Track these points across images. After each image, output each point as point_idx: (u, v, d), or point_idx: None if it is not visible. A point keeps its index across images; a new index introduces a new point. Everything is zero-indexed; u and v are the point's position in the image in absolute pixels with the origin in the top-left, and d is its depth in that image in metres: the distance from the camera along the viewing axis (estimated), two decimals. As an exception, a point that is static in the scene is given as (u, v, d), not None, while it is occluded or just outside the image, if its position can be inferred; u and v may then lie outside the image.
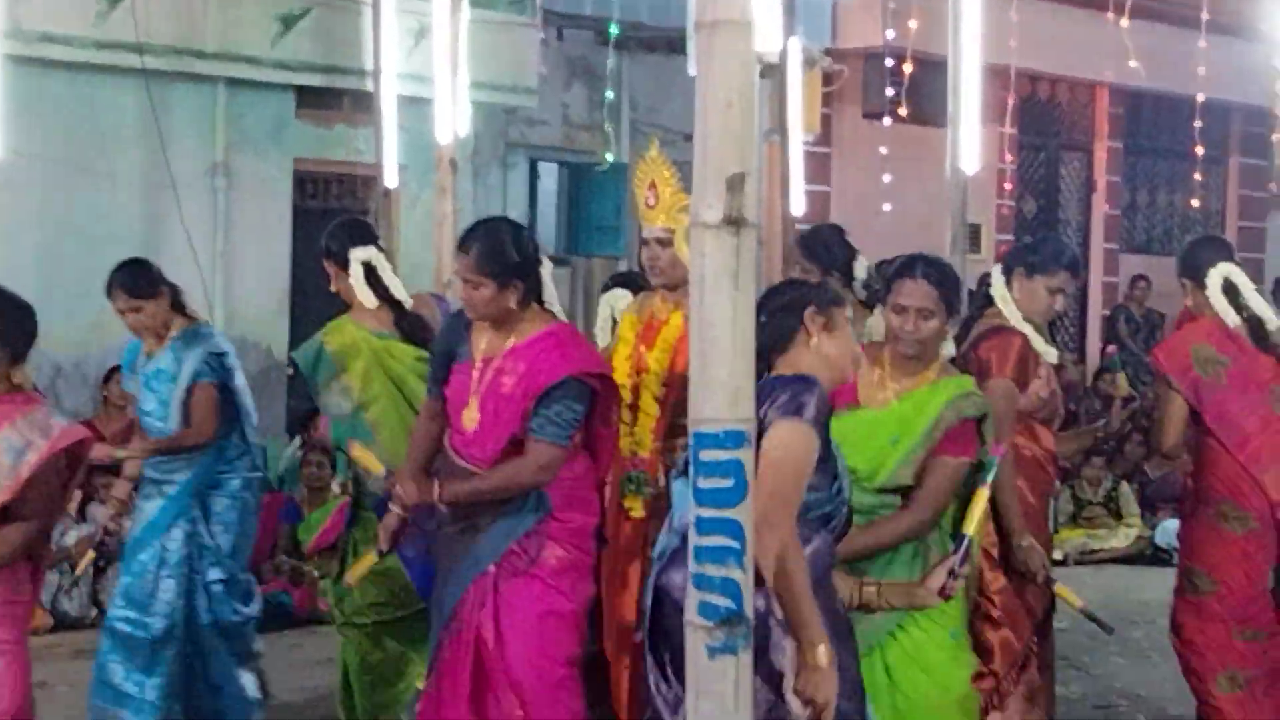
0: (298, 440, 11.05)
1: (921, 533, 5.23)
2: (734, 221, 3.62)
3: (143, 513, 6.90)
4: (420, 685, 6.01)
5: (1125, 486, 12.41)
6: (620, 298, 6.63)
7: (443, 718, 5.42)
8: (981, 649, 5.76)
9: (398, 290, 6.39)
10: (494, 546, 5.38)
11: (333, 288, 6.51)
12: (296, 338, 11.42)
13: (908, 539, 5.22)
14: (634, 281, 6.83)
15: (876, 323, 5.89)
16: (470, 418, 5.39)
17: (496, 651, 5.34)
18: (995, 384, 5.74)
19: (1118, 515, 12.22)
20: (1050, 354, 5.98)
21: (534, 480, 5.37)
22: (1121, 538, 12.03)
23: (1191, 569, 6.49)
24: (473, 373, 5.45)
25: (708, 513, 3.70)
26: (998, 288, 6.03)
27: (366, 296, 6.33)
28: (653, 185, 5.88)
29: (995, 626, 5.82)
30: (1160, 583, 10.94)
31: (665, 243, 5.82)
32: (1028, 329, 5.94)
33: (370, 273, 6.36)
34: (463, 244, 5.47)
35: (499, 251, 5.40)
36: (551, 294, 5.63)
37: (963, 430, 5.27)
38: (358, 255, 6.33)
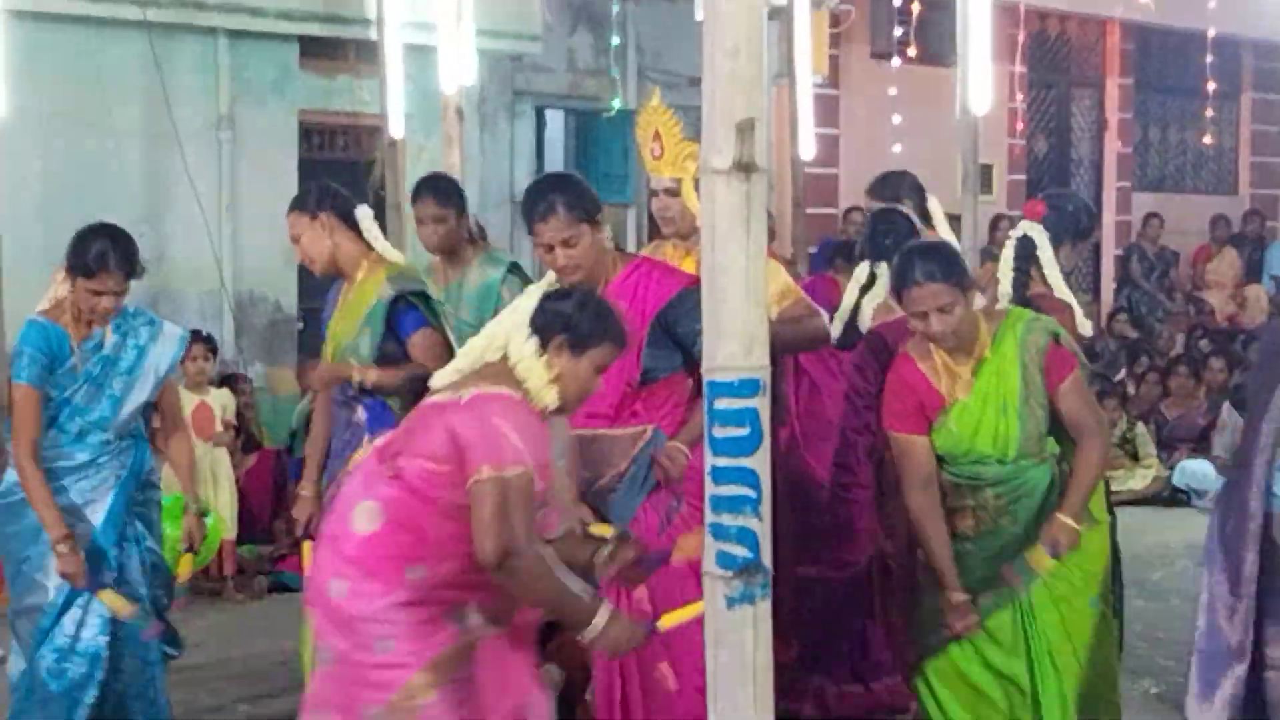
0: (309, 396, 10.96)
1: (1107, 449, 5.49)
2: (744, 167, 3.58)
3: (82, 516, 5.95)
4: None
5: (1141, 427, 12.36)
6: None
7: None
8: None
9: (392, 253, 6.16)
10: (629, 503, 5.25)
11: (324, 245, 5.99)
12: (305, 290, 11.38)
13: (1104, 464, 5.44)
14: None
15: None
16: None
17: (651, 612, 5.09)
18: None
19: (1134, 456, 12.17)
20: (1087, 326, 5.95)
21: None
22: (1139, 479, 11.99)
23: None
24: None
25: (724, 461, 3.66)
26: (1048, 257, 5.97)
27: (388, 249, 6.09)
28: (657, 135, 5.80)
29: None
30: (1179, 523, 11.00)
31: (674, 192, 5.76)
32: (1074, 302, 5.93)
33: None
34: (539, 209, 5.29)
35: (579, 189, 5.35)
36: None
37: (1053, 356, 5.29)
38: (363, 213, 6.11)
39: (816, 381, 6.78)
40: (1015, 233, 6.14)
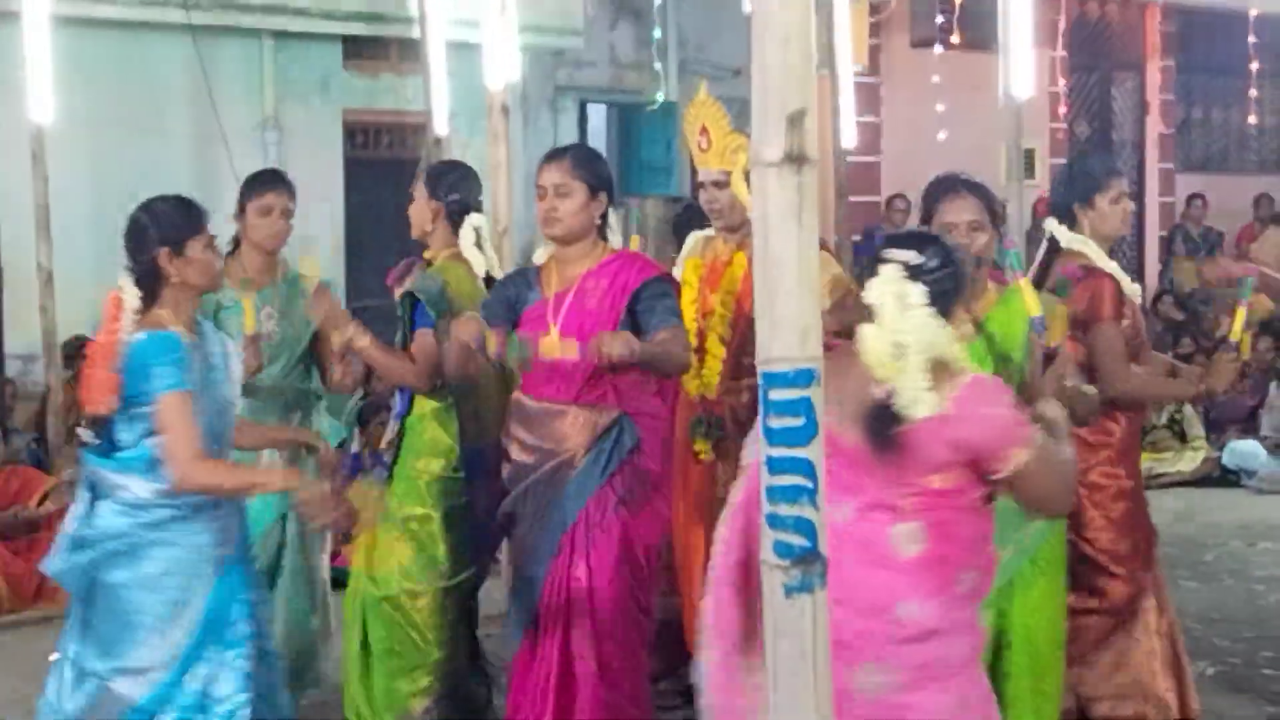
0: (359, 394, 11.03)
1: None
2: (795, 159, 3.58)
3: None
4: (427, 682, 6.00)
5: (1189, 408, 12.31)
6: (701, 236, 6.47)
7: (539, 670, 5.39)
8: (1088, 588, 5.75)
9: (494, 265, 6.24)
10: (587, 482, 5.32)
11: (427, 226, 6.11)
12: (353, 288, 11.45)
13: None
14: (689, 216, 6.76)
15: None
16: (550, 344, 5.23)
17: (585, 593, 5.31)
18: (1104, 328, 5.67)
19: (1183, 438, 12.14)
20: (1135, 290, 5.88)
21: (685, 356, 5.29)
22: (1188, 460, 11.94)
23: None
24: (547, 308, 5.38)
25: (779, 452, 3.67)
26: (1063, 234, 5.90)
27: (477, 260, 6.16)
28: (704, 129, 5.83)
29: (1098, 569, 5.77)
30: (1230, 504, 10.98)
31: (722, 185, 5.78)
32: (1113, 266, 5.84)
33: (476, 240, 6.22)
34: (552, 154, 5.47)
35: (592, 159, 5.47)
36: (614, 234, 5.60)
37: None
38: (473, 220, 6.21)
39: None
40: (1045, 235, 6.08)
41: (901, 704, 4.13)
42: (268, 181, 6.64)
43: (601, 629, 5.33)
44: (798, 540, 3.67)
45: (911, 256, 4.10)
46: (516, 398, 5.48)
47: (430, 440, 5.96)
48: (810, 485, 3.68)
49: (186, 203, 5.27)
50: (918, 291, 4.05)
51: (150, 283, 5.06)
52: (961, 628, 4.17)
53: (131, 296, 5.05)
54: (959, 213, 5.21)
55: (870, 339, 4.08)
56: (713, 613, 4.20)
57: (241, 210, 6.56)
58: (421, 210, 6.15)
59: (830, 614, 3.95)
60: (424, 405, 5.98)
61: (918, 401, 4.01)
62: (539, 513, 5.40)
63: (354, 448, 10.43)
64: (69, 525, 5.10)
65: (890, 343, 4.05)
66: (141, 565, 4.98)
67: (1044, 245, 6.02)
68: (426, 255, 6.18)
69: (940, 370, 4.06)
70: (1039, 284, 5.95)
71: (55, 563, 5.08)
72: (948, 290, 4.10)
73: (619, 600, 5.33)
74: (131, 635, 5.00)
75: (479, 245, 6.12)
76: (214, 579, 5.05)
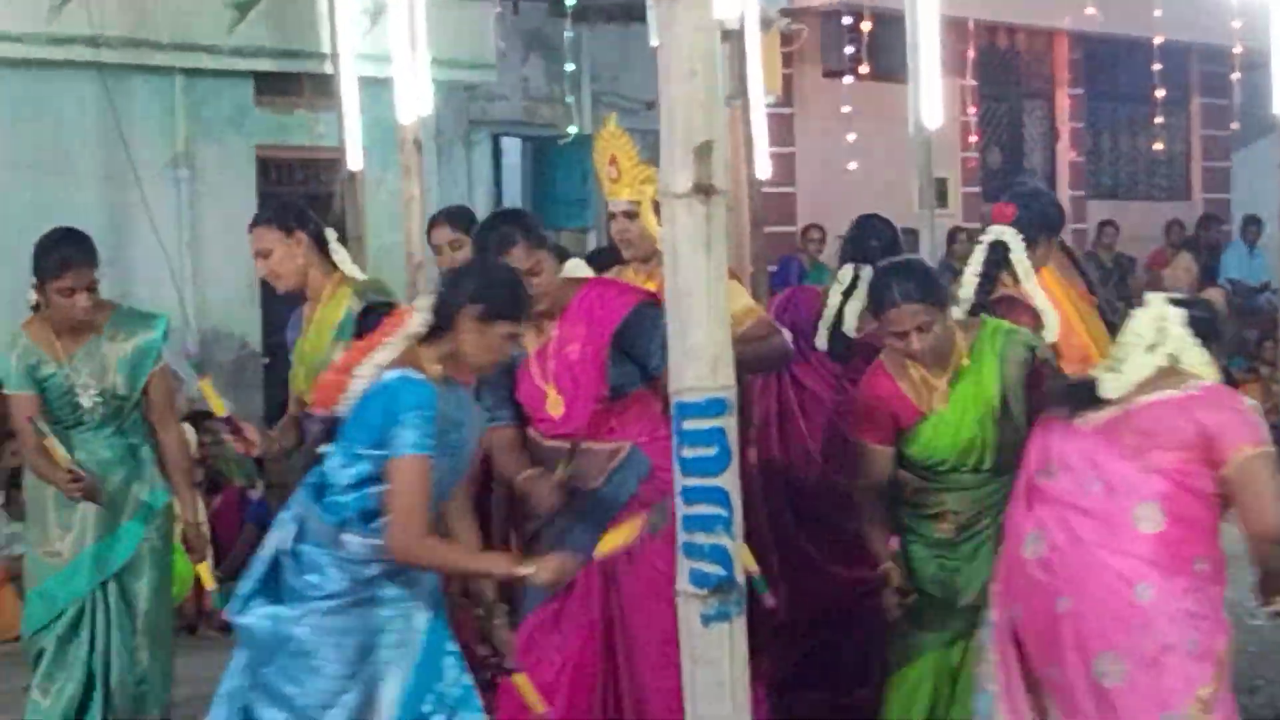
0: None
1: None
2: (703, 190, 3.62)
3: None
4: None
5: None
6: (576, 268, 6.44)
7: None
8: None
9: (357, 272, 6.22)
10: (600, 519, 5.22)
11: (300, 264, 5.96)
12: (269, 325, 11.38)
13: None
14: (604, 257, 6.74)
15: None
16: (555, 404, 5.33)
17: (623, 632, 5.28)
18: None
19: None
20: (1053, 332, 5.77)
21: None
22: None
23: None
24: (533, 366, 5.38)
25: (694, 481, 3.70)
26: (1021, 259, 5.86)
27: (356, 273, 6.12)
28: (613, 159, 5.85)
29: None
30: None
31: (632, 215, 5.80)
32: (1047, 307, 5.83)
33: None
34: (503, 239, 5.34)
35: (532, 218, 5.53)
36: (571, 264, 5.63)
37: (1038, 372, 5.31)
38: (333, 234, 6.15)
39: (818, 394, 6.62)
40: (985, 238, 5.96)
41: (1142, 688, 4.35)
42: (65, 262, 5.97)
43: (645, 663, 5.26)
44: (714, 569, 3.69)
45: (1177, 295, 4.79)
46: (531, 436, 5.47)
47: None
48: (725, 514, 3.70)
49: (522, 285, 4.78)
50: (1176, 313, 4.65)
51: (443, 323, 4.58)
52: (1201, 616, 4.43)
53: (418, 322, 4.59)
54: (903, 322, 5.21)
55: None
56: (998, 649, 4.37)
57: (40, 285, 6.03)
58: (288, 253, 5.95)
59: (1066, 609, 4.36)
60: None
61: (1122, 384, 4.57)
62: (558, 539, 5.26)
63: (257, 493, 10.33)
64: (257, 566, 4.57)
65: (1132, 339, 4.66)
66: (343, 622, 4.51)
67: (987, 251, 5.90)
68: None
69: (1178, 374, 4.59)
70: (984, 295, 5.89)
71: (249, 615, 4.53)
72: (1206, 332, 4.67)
73: (663, 633, 4.98)
74: (317, 684, 4.48)
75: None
76: (424, 635, 4.58)
